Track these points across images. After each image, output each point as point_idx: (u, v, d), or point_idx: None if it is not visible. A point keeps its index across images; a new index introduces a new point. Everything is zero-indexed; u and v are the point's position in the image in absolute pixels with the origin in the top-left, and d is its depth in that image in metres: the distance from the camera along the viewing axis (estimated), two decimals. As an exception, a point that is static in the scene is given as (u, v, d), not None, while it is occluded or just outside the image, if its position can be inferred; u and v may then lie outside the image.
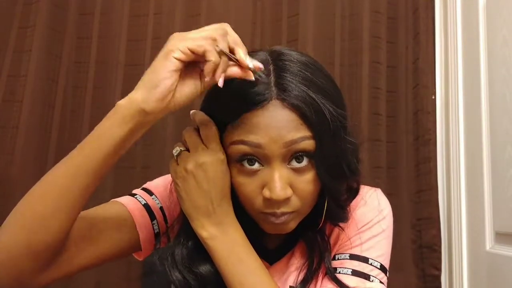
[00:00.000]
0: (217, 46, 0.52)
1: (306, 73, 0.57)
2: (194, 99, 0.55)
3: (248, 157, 0.56)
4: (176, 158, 0.59)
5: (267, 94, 0.55)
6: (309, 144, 0.55)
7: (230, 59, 0.53)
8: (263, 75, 0.55)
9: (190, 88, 0.54)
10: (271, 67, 0.57)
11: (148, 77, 0.53)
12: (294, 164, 0.57)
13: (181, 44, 0.52)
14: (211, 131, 0.58)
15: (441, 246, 1.23)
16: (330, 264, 0.64)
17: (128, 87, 1.37)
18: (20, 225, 0.52)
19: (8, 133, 1.31)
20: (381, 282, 0.63)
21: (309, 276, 0.64)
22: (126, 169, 1.29)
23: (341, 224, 0.65)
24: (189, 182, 0.58)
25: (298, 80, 0.56)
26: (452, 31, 1.26)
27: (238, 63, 0.53)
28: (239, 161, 0.57)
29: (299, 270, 0.66)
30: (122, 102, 0.53)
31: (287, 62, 0.57)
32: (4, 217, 1.29)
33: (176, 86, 0.53)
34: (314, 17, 1.33)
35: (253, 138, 0.55)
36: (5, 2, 1.39)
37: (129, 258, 1.27)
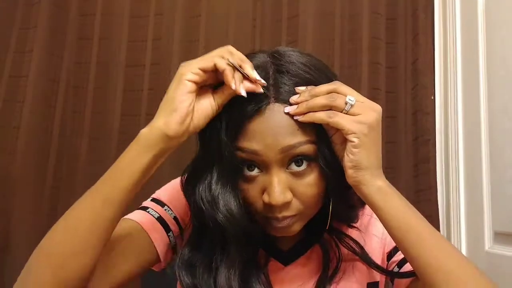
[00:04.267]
0: (226, 59, 0.53)
1: (307, 75, 0.57)
2: (211, 118, 0.56)
3: (247, 163, 0.57)
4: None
5: (264, 100, 0.55)
6: (307, 148, 0.55)
7: (239, 71, 0.54)
8: (266, 90, 0.55)
9: (206, 109, 0.55)
10: (271, 70, 0.57)
11: (165, 104, 0.54)
12: (294, 168, 0.56)
13: (190, 66, 0.54)
14: None
15: (440, 246, 1.23)
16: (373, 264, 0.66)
17: (128, 88, 1.40)
18: (48, 262, 0.52)
19: (10, 133, 1.31)
20: None
21: (327, 280, 0.64)
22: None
23: (375, 233, 0.68)
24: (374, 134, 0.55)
25: (297, 83, 0.56)
26: (451, 32, 1.27)
27: (246, 77, 0.54)
28: (240, 166, 0.57)
29: (316, 273, 0.66)
30: (144, 131, 0.54)
31: (287, 64, 0.57)
32: (6, 216, 1.29)
33: (193, 108, 0.54)
34: (313, 18, 1.33)
35: (249, 144, 0.55)
36: (6, 3, 1.39)
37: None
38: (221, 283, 0.58)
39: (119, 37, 1.38)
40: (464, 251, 1.15)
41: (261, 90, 0.54)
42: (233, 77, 0.53)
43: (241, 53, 0.55)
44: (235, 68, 0.53)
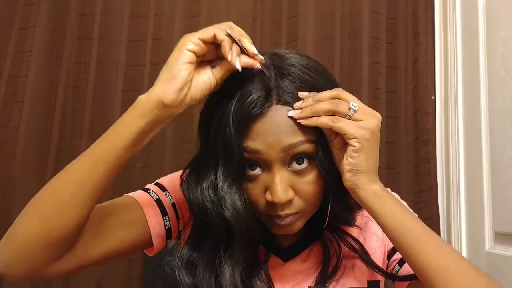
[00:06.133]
0: (225, 31, 0.54)
1: (307, 77, 0.58)
2: (208, 93, 0.57)
3: (249, 162, 0.57)
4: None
5: (267, 100, 0.56)
6: (308, 147, 0.56)
7: (237, 45, 0.55)
8: (265, 69, 0.56)
9: (204, 82, 0.56)
10: (272, 72, 0.57)
11: (164, 71, 0.55)
12: (295, 166, 0.57)
13: (192, 37, 0.55)
14: None
15: (440, 246, 1.23)
16: (373, 264, 0.66)
17: (128, 88, 1.40)
18: (36, 215, 0.54)
19: (9, 134, 1.31)
20: None
21: (327, 277, 0.65)
22: (125, 168, 1.28)
23: (374, 232, 0.68)
24: (373, 141, 0.56)
25: (298, 85, 0.57)
26: (452, 32, 1.27)
27: (244, 52, 0.55)
28: (244, 166, 0.58)
29: (316, 270, 0.66)
30: (141, 97, 0.55)
31: (288, 67, 0.58)
32: (5, 217, 1.28)
33: (192, 79, 0.55)
34: (314, 18, 1.33)
35: (251, 144, 0.56)
36: (5, 3, 1.39)
37: (130, 256, 1.28)
38: (226, 281, 0.59)
39: (119, 37, 1.38)
40: (464, 251, 1.16)
41: (259, 66, 0.55)
42: (231, 49, 0.53)
43: (241, 29, 0.56)
44: (234, 41, 0.54)
